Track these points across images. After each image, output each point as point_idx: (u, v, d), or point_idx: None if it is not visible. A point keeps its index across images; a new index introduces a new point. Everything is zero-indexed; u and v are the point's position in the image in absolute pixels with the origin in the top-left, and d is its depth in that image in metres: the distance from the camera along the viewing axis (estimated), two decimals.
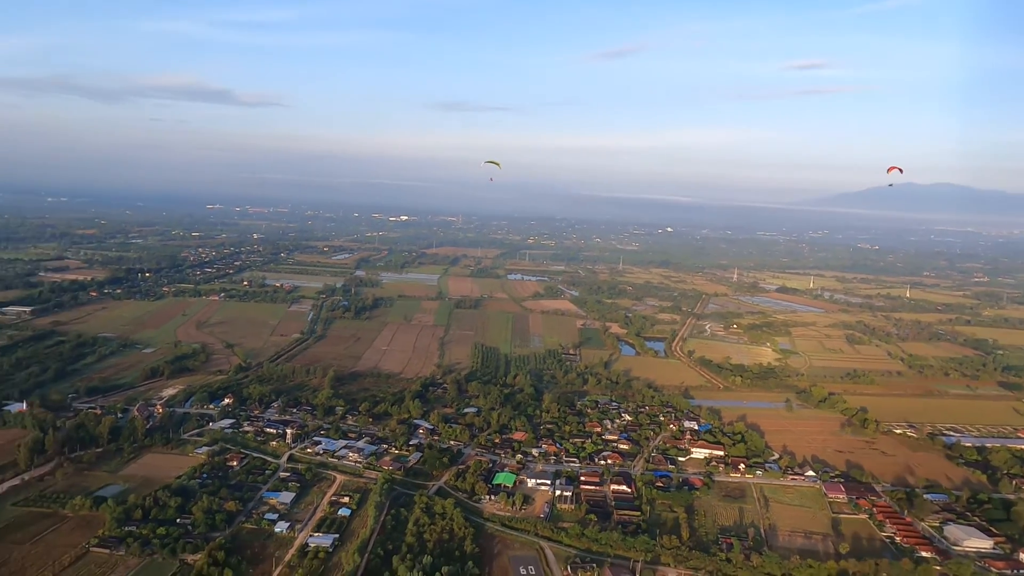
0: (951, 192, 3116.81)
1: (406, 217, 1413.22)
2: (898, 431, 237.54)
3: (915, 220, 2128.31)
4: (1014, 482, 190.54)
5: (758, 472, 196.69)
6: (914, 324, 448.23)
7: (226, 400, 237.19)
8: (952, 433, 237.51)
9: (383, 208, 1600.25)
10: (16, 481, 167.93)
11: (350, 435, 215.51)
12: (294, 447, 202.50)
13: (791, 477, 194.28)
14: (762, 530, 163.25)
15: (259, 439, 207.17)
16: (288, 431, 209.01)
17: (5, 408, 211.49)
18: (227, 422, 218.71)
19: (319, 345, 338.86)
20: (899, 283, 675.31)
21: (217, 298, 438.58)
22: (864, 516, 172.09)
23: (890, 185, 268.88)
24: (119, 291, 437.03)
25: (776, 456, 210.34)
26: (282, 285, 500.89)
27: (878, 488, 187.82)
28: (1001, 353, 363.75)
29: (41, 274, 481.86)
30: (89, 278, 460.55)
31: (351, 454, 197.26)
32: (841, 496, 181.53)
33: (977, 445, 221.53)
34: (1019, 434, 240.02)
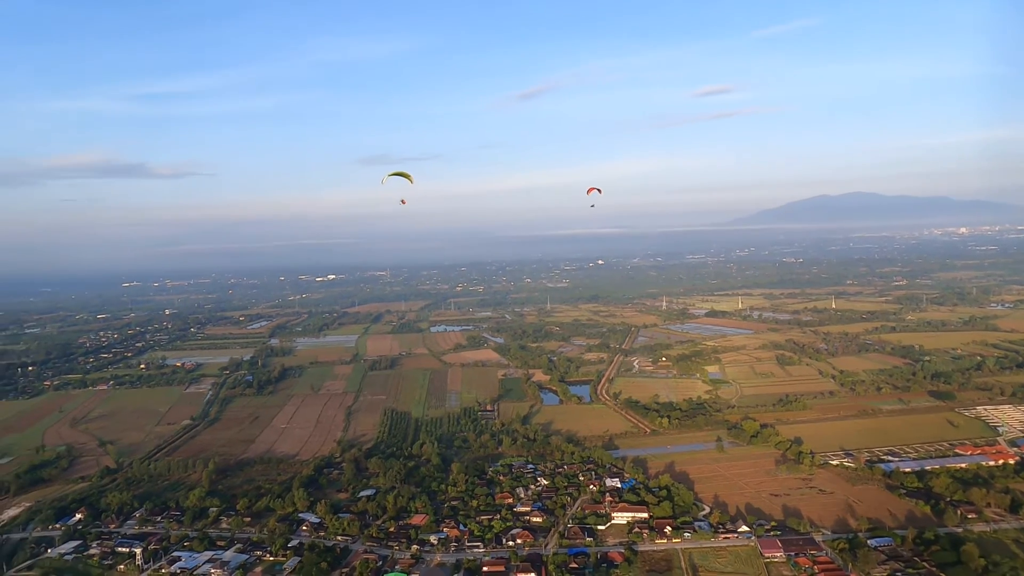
0: (863, 201, 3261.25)
1: (333, 276, 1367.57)
2: (835, 462, 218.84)
3: (833, 230, 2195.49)
4: (959, 511, 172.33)
5: (686, 534, 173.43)
6: (842, 336, 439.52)
7: (76, 516, 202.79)
8: (891, 458, 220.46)
9: (310, 269, 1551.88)
10: None
11: (219, 543, 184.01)
12: (146, 569, 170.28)
13: (723, 536, 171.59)
14: None
15: (106, 563, 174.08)
16: (137, 550, 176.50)
17: None
18: (71, 545, 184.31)
19: (209, 431, 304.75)
20: (824, 295, 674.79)
21: (106, 387, 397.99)
22: None
23: (592, 206, 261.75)
24: None
25: (706, 511, 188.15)
26: (183, 364, 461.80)
27: (818, 538, 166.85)
28: (928, 360, 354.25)
29: None
30: None
31: (213, 570, 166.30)
32: (779, 554, 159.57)
33: (917, 470, 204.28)
34: (957, 451, 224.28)
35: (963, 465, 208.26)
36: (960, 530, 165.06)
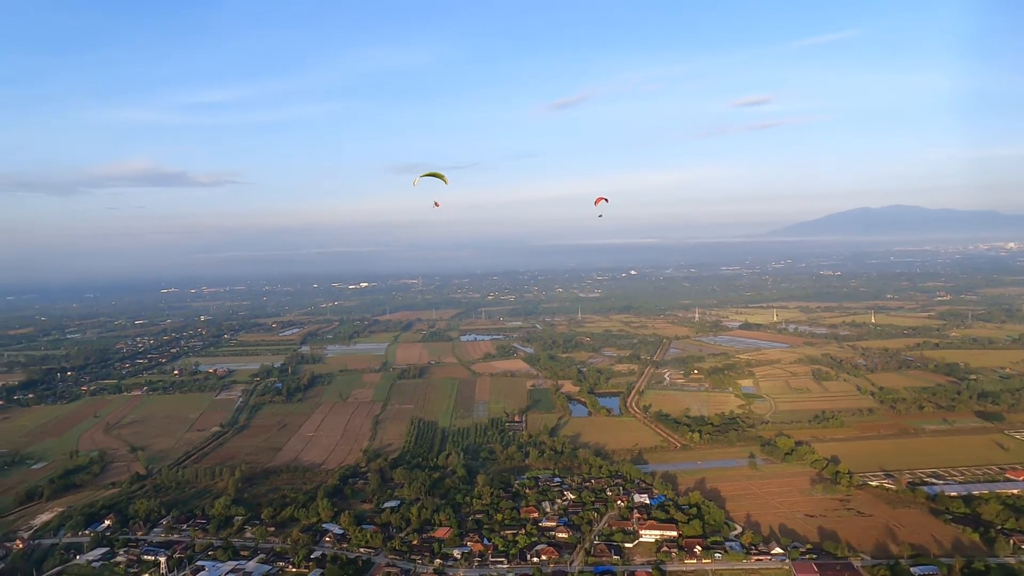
0: (905, 213, 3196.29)
1: (366, 284, 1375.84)
2: (874, 483, 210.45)
3: (873, 243, 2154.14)
4: (1011, 541, 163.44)
5: (717, 555, 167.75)
6: (882, 352, 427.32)
7: (105, 522, 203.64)
8: (934, 481, 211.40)
9: (343, 276, 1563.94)
10: None
11: (243, 553, 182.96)
12: None
13: (755, 558, 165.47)
14: None
15: (132, 570, 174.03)
16: (161, 559, 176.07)
17: None
18: (99, 552, 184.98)
19: (238, 438, 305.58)
20: (863, 308, 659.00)
21: (140, 392, 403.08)
22: None
23: (599, 216, 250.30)
24: (30, 396, 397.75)
25: (738, 531, 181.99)
26: (215, 371, 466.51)
27: (856, 563, 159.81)
28: (974, 378, 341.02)
29: None
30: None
31: None
32: None
33: (963, 494, 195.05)
34: (1007, 475, 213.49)
35: (1015, 491, 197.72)
36: (1013, 561, 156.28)
